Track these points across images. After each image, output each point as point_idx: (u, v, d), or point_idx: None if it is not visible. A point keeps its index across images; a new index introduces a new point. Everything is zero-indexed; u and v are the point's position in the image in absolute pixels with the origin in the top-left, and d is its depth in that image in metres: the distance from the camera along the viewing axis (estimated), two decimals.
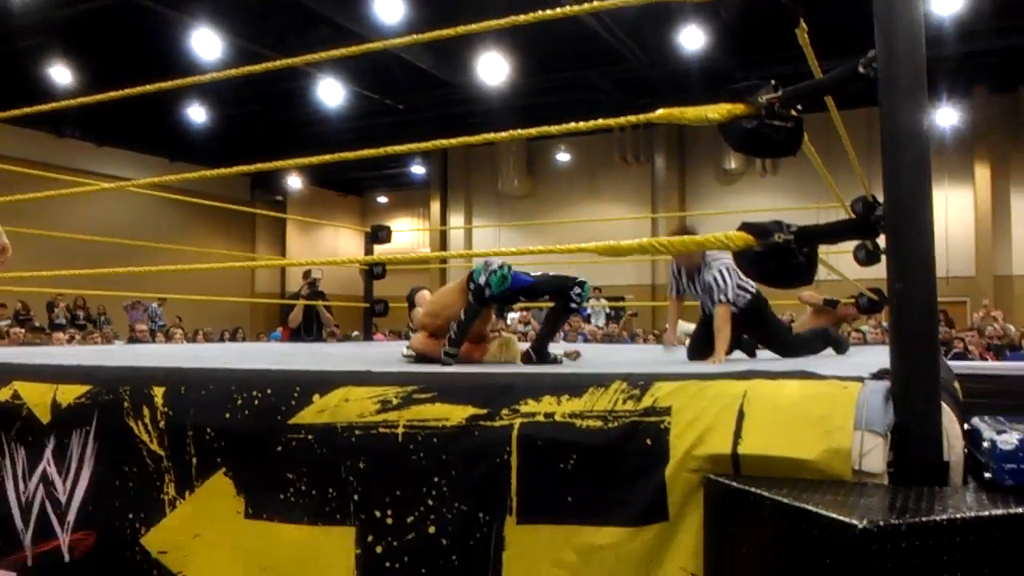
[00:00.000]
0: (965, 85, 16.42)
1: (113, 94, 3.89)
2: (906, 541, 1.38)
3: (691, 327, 6.79)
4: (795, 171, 18.37)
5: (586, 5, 2.81)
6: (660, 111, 2.16)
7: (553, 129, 2.44)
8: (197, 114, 18.96)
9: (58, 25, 14.64)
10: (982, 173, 17.88)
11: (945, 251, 15.96)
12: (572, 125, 2.42)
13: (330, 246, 26.16)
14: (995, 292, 17.31)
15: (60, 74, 15.92)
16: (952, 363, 6.35)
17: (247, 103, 18.78)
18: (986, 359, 9.36)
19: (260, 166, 3.57)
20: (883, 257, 2.04)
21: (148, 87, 3.77)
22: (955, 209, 17.32)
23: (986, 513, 1.45)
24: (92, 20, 14.76)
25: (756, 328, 4.32)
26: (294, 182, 24.32)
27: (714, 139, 19.59)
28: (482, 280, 3.69)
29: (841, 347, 4.75)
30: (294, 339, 8.48)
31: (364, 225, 22.77)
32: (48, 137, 18.68)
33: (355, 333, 13.70)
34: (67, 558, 2.53)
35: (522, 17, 2.86)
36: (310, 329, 8.73)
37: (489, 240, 21.67)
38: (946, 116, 16.97)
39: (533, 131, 2.53)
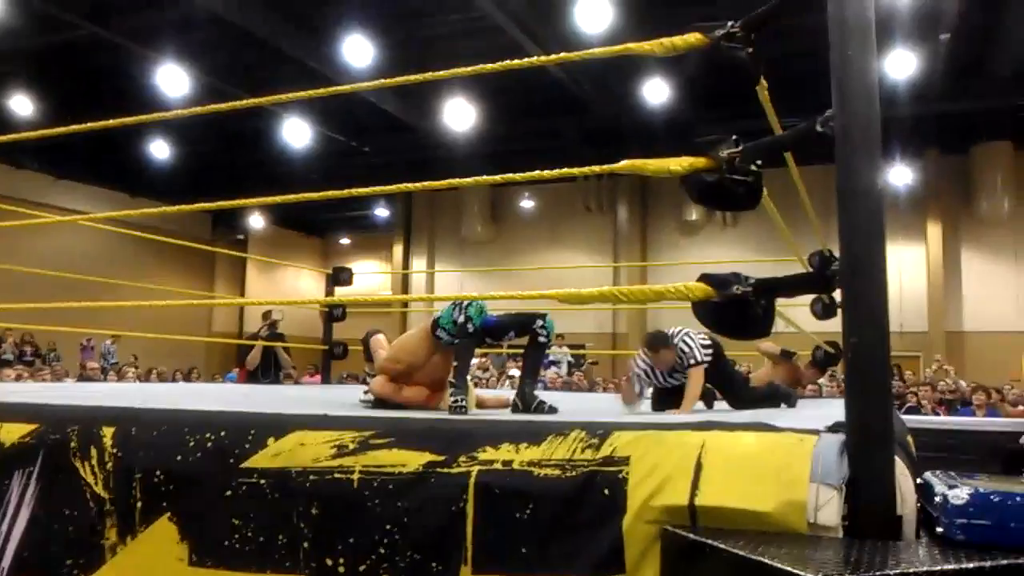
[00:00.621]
0: (918, 146, 16.92)
1: (74, 127, 3.85)
2: None
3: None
4: (755, 224, 18.70)
5: (553, 56, 2.85)
6: (624, 162, 2.19)
7: (518, 176, 2.46)
8: (160, 150, 18.82)
9: (23, 56, 14.51)
10: (934, 231, 18.36)
11: (899, 306, 16.28)
12: (537, 173, 2.44)
13: (291, 287, 25.92)
14: (947, 347, 17.67)
15: (21, 105, 15.74)
16: (905, 417, 6.44)
17: (211, 140, 18.70)
18: (939, 413, 9.51)
19: (222, 204, 3.54)
20: (839, 311, 2.09)
21: (109, 122, 3.74)
22: (908, 266, 17.72)
23: (938, 568, 1.46)
24: (58, 53, 14.66)
25: (713, 376, 4.41)
26: (256, 221, 24.13)
27: (676, 190, 19.89)
28: (460, 318, 3.67)
29: (790, 401, 4.80)
30: (250, 380, 8.34)
31: (326, 267, 22.61)
32: (6, 168, 18.37)
33: (313, 375, 13.53)
34: None
35: (489, 66, 2.88)
36: (268, 371, 8.60)
37: (452, 285, 21.63)
38: (900, 175, 17.45)
39: (499, 178, 2.55)
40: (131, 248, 19.75)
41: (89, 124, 3.76)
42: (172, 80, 14.49)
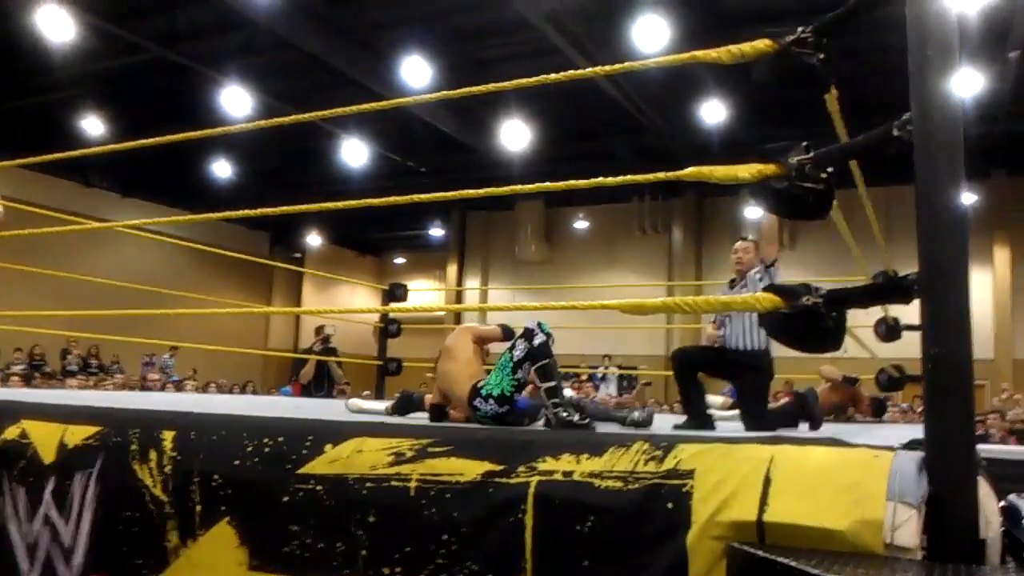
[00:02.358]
0: (984, 167, 16.46)
1: (136, 143, 3.93)
2: None
3: (718, 400, 6.69)
4: (813, 245, 18.36)
5: (615, 67, 2.82)
6: (691, 169, 2.15)
7: (581, 184, 2.43)
8: (222, 169, 19.27)
9: (94, 78, 15.02)
10: (1001, 255, 17.80)
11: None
12: (599, 180, 2.41)
13: (346, 304, 26.19)
14: (1014, 376, 17.05)
15: (92, 125, 16.27)
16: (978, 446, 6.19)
17: (272, 160, 19.09)
18: (1008, 443, 9.16)
19: (278, 209, 3.55)
20: (903, 334, 2.02)
21: (172, 137, 3.80)
22: (974, 291, 16.99)
23: None
24: (127, 74, 15.14)
25: (749, 381, 4.20)
26: (312, 240, 24.52)
27: (732, 212, 19.70)
28: (539, 339, 3.57)
29: (813, 424, 4.22)
30: (304, 394, 8.44)
31: (380, 285, 22.86)
32: (76, 186, 18.98)
33: (366, 392, 13.65)
34: None
35: (550, 76, 2.84)
36: (321, 385, 8.70)
37: (506, 306, 21.65)
38: (967, 198, 17.00)
39: (560, 184, 2.52)
40: (193, 265, 20.24)
41: (152, 140, 3.84)
42: (235, 101, 14.83)
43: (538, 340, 3.55)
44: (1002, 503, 1.76)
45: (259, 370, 21.64)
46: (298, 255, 24.99)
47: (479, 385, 3.59)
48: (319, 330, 8.98)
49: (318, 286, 25.76)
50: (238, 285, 22.36)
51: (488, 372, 3.73)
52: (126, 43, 13.46)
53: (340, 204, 3.30)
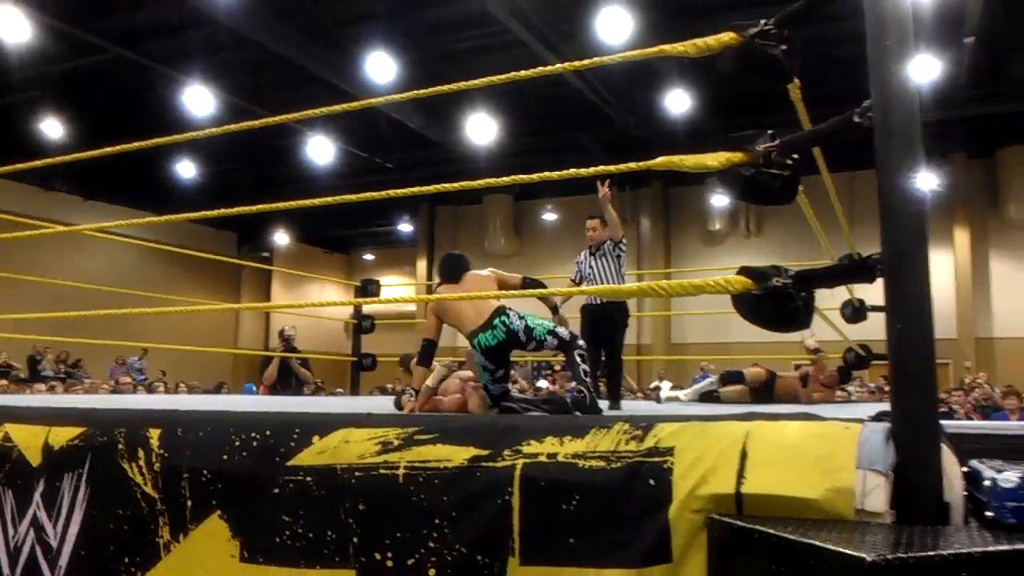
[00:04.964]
0: (943, 151, 16.80)
1: (101, 151, 3.87)
2: (915, 574, 1.38)
3: (675, 392, 6.88)
4: (778, 232, 18.65)
5: (583, 62, 2.88)
6: (661, 159, 2.21)
7: (554, 176, 2.49)
8: (186, 170, 19.08)
9: (53, 80, 14.79)
10: (962, 237, 18.19)
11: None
12: (573, 172, 2.47)
13: (316, 302, 26.11)
14: (976, 354, 17.46)
15: (51, 128, 16.02)
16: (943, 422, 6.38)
17: (237, 159, 18.93)
18: (972, 419, 9.39)
19: (245, 208, 3.55)
20: (868, 315, 2.12)
21: (135, 144, 3.74)
22: (936, 272, 17.25)
23: (991, 549, 1.46)
24: (87, 75, 14.93)
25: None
26: (280, 239, 24.36)
27: (699, 201, 19.92)
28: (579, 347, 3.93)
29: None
30: (272, 395, 8.43)
31: (348, 285, 22.78)
32: (35, 190, 18.70)
33: (339, 390, 13.64)
34: None
35: (519, 74, 2.84)
36: (287, 386, 8.69)
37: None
38: (926, 181, 17.30)
39: (534, 177, 2.58)
40: (160, 268, 20.03)
41: (115, 148, 3.78)
42: (198, 101, 14.69)
43: (579, 344, 3.91)
44: (964, 468, 1.85)
45: (229, 371, 21.48)
46: (266, 254, 24.81)
47: (510, 309, 3.89)
48: (281, 333, 9.03)
49: (287, 285, 25.61)
50: (207, 286, 22.16)
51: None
52: (85, 43, 13.27)
53: (307, 202, 3.32)
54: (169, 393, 11.72)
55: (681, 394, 6.65)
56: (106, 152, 3.85)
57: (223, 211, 3.70)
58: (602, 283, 5.29)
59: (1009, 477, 1.62)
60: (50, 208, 18.37)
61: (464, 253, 4.67)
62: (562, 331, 3.90)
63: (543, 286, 4.07)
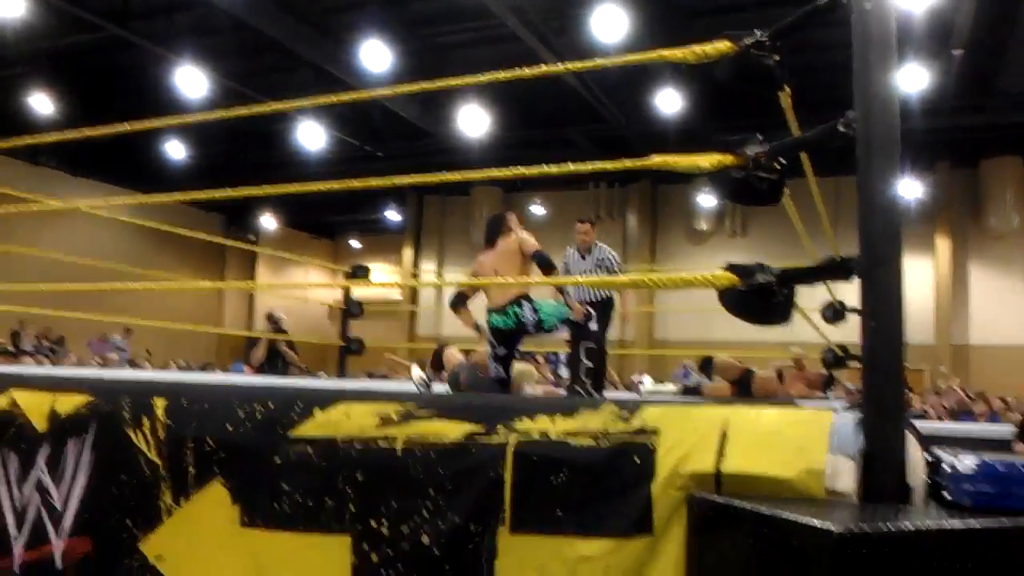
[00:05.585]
0: (928, 159, 17.04)
1: (93, 131, 3.89)
2: (877, 547, 1.51)
3: (658, 386, 7.09)
4: (764, 233, 18.86)
5: (582, 63, 3.00)
6: (655, 158, 2.33)
7: (553, 171, 2.60)
8: (175, 150, 19.04)
9: (45, 56, 14.74)
10: (943, 245, 18.45)
11: (906, 319, 16.37)
12: (566, 168, 2.58)
13: (300, 288, 26.09)
14: (953, 361, 17.73)
15: (41, 104, 15.96)
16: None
17: (227, 142, 18.90)
18: (944, 420, 9.62)
19: (233, 191, 3.59)
20: (848, 316, 2.26)
21: (126, 125, 3.75)
22: (916, 279, 17.78)
23: (947, 525, 1.60)
24: (78, 53, 14.89)
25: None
26: (267, 222, 24.33)
27: (685, 200, 20.08)
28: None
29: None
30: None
31: (336, 269, 22.80)
32: (24, 165, 18.60)
33: (320, 373, 13.72)
34: (59, 564, 2.57)
35: (511, 73, 2.92)
36: (274, 366, 8.78)
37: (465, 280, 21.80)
38: (910, 188, 17.56)
39: (533, 171, 2.69)
40: (145, 247, 19.98)
41: (106, 128, 3.80)
42: (190, 82, 14.67)
43: (592, 326, 4.24)
44: (927, 455, 1.99)
45: (212, 352, 21.48)
46: (252, 238, 24.77)
47: (531, 299, 4.09)
48: (269, 316, 9.10)
49: (273, 268, 25.58)
50: (192, 268, 22.12)
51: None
52: (78, 20, 13.24)
53: (296, 187, 3.40)
54: (157, 371, 11.76)
55: (664, 388, 6.85)
56: (97, 133, 3.88)
57: (211, 193, 3.75)
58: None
59: (966, 463, 1.75)
60: (38, 184, 18.26)
61: (502, 214, 4.88)
62: (572, 317, 4.19)
63: (553, 265, 4.28)
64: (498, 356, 4.35)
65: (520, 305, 4.22)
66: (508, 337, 4.28)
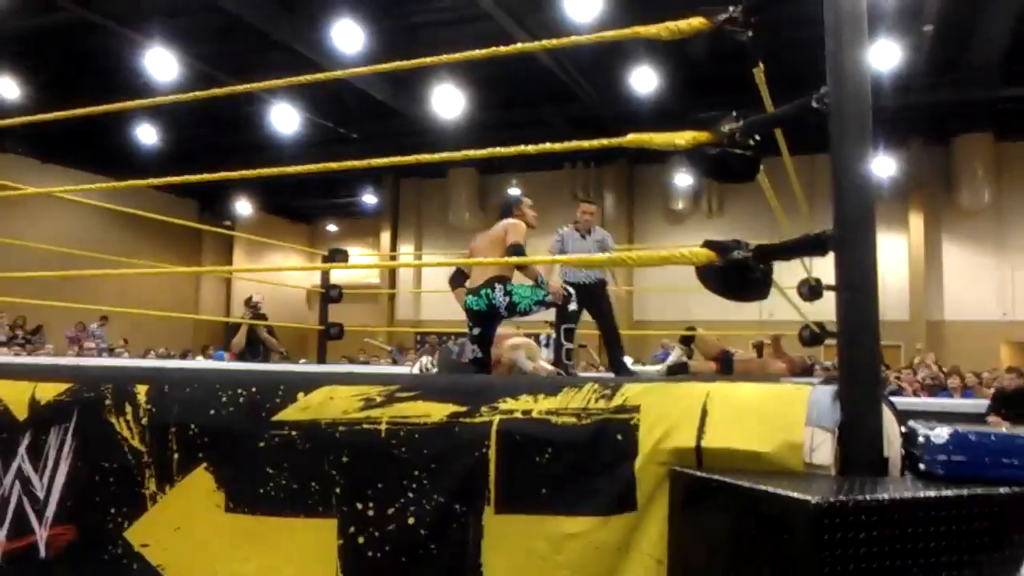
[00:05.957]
0: (901, 137, 17.17)
1: (59, 114, 3.80)
2: (854, 516, 1.55)
3: (645, 367, 7.20)
4: (739, 213, 18.97)
5: (556, 41, 3.00)
6: (631, 136, 2.35)
7: (529, 150, 2.60)
8: (147, 135, 18.79)
9: (8, 38, 14.46)
10: (916, 222, 18.64)
11: (881, 296, 16.56)
12: (548, 147, 2.59)
13: (278, 273, 25.92)
14: (928, 336, 17.98)
15: (7, 88, 15.67)
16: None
17: (198, 126, 18.69)
18: (920, 396, 9.77)
19: (207, 176, 3.53)
20: (825, 293, 2.30)
21: (95, 108, 3.68)
22: (890, 256, 17.99)
23: (922, 495, 1.64)
24: (44, 35, 14.63)
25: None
26: (243, 208, 24.10)
27: (662, 180, 20.14)
28: (573, 306, 4.78)
29: None
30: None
31: (313, 253, 22.66)
32: None
33: (303, 360, 13.68)
34: (43, 554, 2.56)
35: (485, 51, 2.90)
36: (256, 353, 8.75)
37: (440, 271, 21.76)
38: (882, 166, 17.70)
39: (512, 150, 2.69)
40: (118, 234, 19.74)
41: (75, 111, 3.69)
42: (160, 64, 14.47)
43: (572, 307, 4.30)
44: (903, 428, 2.03)
45: (189, 339, 21.32)
46: (228, 223, 24.53)
47: (508, 281, 4.26)
48: (248, 300, 9.03)
49: (249, 253, 25.37)
50: (167, 254, 21.89)
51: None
52: (43, 1, 12.99)
53: (270, 171, 3.38)
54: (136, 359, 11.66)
55: (652, 369, 6.95)
56: (65, 115, 3.80)
57: (185, 177, 3.69)
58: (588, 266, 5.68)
59: (940, 434, 1.80)
60: (6, 171, 17.94)
61: (517, 198, 4.95)
62: (551, 300, 4.25)
63: (522, 253, 4.32)
64: (474, 337, 4.45)
65: (492, 288, 4.32)
66: (481, 318, 4.38)
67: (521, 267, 4.50)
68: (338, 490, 2.24)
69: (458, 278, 4.95)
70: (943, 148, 18.28)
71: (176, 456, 2.44)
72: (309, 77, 3.50)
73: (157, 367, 2.78)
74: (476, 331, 4.44)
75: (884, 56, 12.73)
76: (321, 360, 8.48)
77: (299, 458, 2.30)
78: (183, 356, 13.64)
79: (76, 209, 17.93)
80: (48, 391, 2.69)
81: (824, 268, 2.86)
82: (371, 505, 2.20)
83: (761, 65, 2.69)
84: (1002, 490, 1.67)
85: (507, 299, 4.30)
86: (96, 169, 20.18)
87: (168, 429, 2.46)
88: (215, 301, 24.56)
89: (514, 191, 5.65)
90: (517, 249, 4.44)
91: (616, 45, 13.98)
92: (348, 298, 9.49)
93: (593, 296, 5.70)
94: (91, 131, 17.95)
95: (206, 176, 3.53)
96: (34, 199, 17.25)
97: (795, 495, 1.58)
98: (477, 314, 4.38)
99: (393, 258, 22.34)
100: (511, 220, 4.64)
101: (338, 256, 8.02)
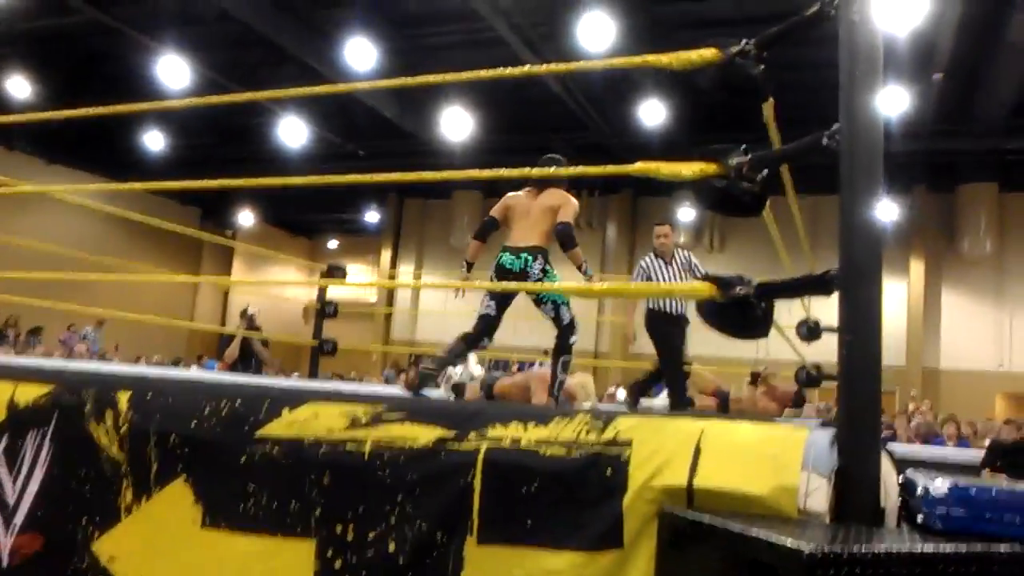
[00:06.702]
0: (906, 183, 17.20)
1: (67, 112, 3.80)
2: (848, 568, 1.49)
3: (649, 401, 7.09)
4: (740, 249, 18.96)
5: (569, 65, 2.97)
6: (638, 164, 2.31)
7: (534, 173, 2.57)
8: (154, 141, 18.82)
9: (22, 38, 14.52)
10: (917, 268, 18.62)
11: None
12: (552, 171, 2.55)
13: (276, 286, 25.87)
14: (923, 384, 17.89)
15: (18, 87, 15.71)
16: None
17: (206, 134, 18.72)
18: (914, 443, 9.68)
19: (211, 183, 3.50)
20: (823, 335, 2.25)
21: (103, 109, 3.66)
22: (889, 301, 17.78)
23: (919, 549, 1.57)
24: (58, 36, 14.68)
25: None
26: (245, 218, 24.09)
27: (666, 211, 20.11)
28: (574, 338, 4.42)
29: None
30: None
31: (313, 268, 22.62)
32: None
33: (296, 374, 13.60)
34: (5, 562, 2.48)
35: (493, 72, 2.88)
36: (248, 364, 8.66)
37: (439, 294, 21.72)
38: (886, 211, 17.69)
39: (514, 172, 2.66)
40: (119, 239, 19.70)
41: (80, 110, 3.70)
42: (172, 72, 14.48)
43: (573, 339, 4.28)
44: (901, 478, 1.97)
45: (184, 347, 21.23)
46: (230, 233, 24.51)
47: (548, 258, 4.18)
48: (243, 312, 8.97)
49: (249, 265, 25.34)
50: (166, 261, 21.82)
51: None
52: (58, 2, 13.05)
53: (273, 181, 3.38)
54: (128, 364, 11.58)
55: (656, 402, 6.84)
56: (75, 114, 3.78)
57: (184, 183, 3.70)
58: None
59: (939, 486, 1.74)
60: (10, 169, 17.95)
61: (558, 157, 4.54)
62: (565, 314, 4.11)
63: (575, 244, 4.16)
64: (492, 293, 4.26)
65: (535, 256, 4.14)
66: (507, 278, 4.16)
67: (565, 248, 4.25)
68: (318, 511, 2.18)
69: (487, 230, 4.65)
70: (947, 196, 18.30)
71: (155, 467, 2.38)
72: (318, 88, 3.49)
73: (141, 374, 2.72)
74: (495, 297, 4.25)
75: (893, 102, 12.77)
76: (312, 375, 8.40)
77: (280, 476, 2.24)
78: (175, 364, 13.56)
79: (78, 211, 17.91)
80: (29, 393, 2.63)
81: (820, 309, 2.81)
82: (351, 529, 2.14)
83: (771, 100, 2.66)
84: (1002, 547, 1.61)
85: (542, 276, 4.12)
86: (102, 173, 20.21)
87: (148, 439, 2.40)
88: (212, 310, 24.49)
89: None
90: (568, 228, 4.19)
91: (626, 78, 14.05)
92: (344, 315, 9.42)
93: (677, 329, 5.33)
94: (98, 134, 17.98)
95: (207, 183, 3.50)
96: (36, 201, 17.25)
97: (788, 543, 1.52)
98: (507, 273, 4.17)
99: (392, 277, 22.29)
100: (565, 194, 4.33)
101: (336, 272, 7.97)
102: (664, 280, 5.36)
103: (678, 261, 5.47)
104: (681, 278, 5.32)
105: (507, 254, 4.25)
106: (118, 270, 9.65)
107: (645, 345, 5.94)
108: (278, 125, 17.58)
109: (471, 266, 4.60)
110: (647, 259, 5.65)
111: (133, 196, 19.16)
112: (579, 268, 4.29)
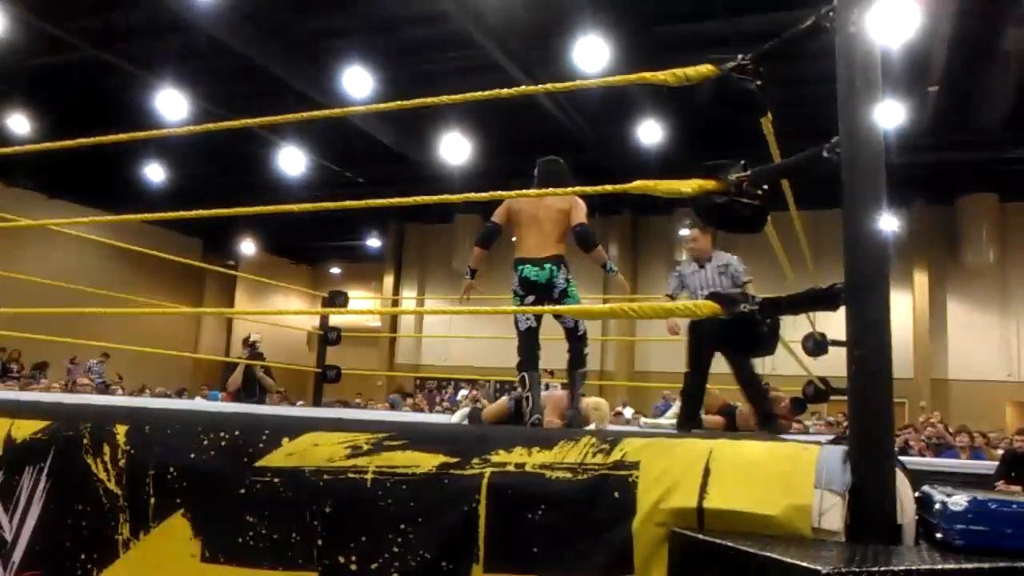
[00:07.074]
0: (905, 195, 17.21)
1: (66, 143, 3.80)
2: None
3: (657, 420, 7.03)
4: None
5: (565, 84, 2.95)
6: (637, 182, 2.28)
7: (531, 194, 2.54)
8: (154, 173, 18.89)
9: (22, 75, 14.62)
10: (920, 280, 18.59)
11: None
12: (547, 191, 2.53)
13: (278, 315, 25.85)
14: (932, 395, 17.80)
15: (18, 124, 15.81)
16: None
17: (206, 166, 18.80)
18: (925, 455, 9.59)
19: (211, 212, 3.49)
20: (831, 349, 2.21)
21: (102, 138, 3.68)
22: (895, 313, 17.66)
23: (939, 567, 1.52)
24: (58, 73, 14.78)
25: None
26: (247, 247, 24.15)
27: (667, 232, 20.14)
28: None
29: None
30: (235, 402, 8.35)
31: (314, 296, 22.60)
32: None
33: (300, 402, 13.54)
34: None
35: (492, 92, 2.88)
36: (252, 393, 8.63)
37: (443, 317, 21.68)
38: (888, 224, 17.67)
39: (513, 194, 2.63)
40: (122, 271, 19.75)
41: (81, 140, 3.71)
42: (171, 105, 14.59)
43: (586, 351, 4.36)
44: (917, 493, 1.92)
45: (189, 377, 21.19)
46: (232, 263, 24.57)
47: (567, 266, 4.18)
48: (246, 340, 8.95)
49: (252, 294, 25.35)
50: (169, 292, 21.85)
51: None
52: (57, 40, 13.15)
53: (274, 208, 3.37)
54: (131, 396, 11.53)
55: (663, 420, 6.77)
56: (73, 144, 3.78)
57: (184, 213, 3.66)
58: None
59: (958, 501, 1.69)
60: (12, 205, 18.01)
61: (559, 160, 4.52)
62: (581, 324, 4.11)
63: (596, 244, 4.14)
64: (525, 303, 4.20)
65: (559, 266, 4.09)
66: (534, 289, 4.11)
67: (587, 249, 4.21)
68: (320, 542, 2.13)
69: (490, 236, 4.44)
70: (947, 208, 18.30)
71: (153, 501, 2.33)
72: (316, 113, 3.47)
73: (139, 406, 2.68)
74: (529, 299, 4.16)
75: (890, 114, 12.79)
76: (316, 403, 8.35)
77: (281, 507, 2.19)
78: (179, 395, 13.51)
79: (81, 245, 17.96)
80: (25, 429, 2.59)
81: (825, 323, 2.77)
82: (354, 559, 2.09)
83: (769, 115, 2.64)
84: None
85: (564, 284, 4.11)
86: (103, 206, 20.26)
87: (146, 472, 2.35)
88: (216, 340, 24.47)
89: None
90: (586, 228, 4.16)
91: (623, 98, 14.09)
92: (348, 341, 9.38)
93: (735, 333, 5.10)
94: (99, 169, 18.05)
95: (208, 212, 3.48)
96: (38, 235, 17.29)
97: (804, 563, 1.47)
98: (534, 285, 4.13)
99: (395, 303, 22.27)
100: (574, 197, 4.26)
101: (338, 299, 7.95)
102: (694, 285, 5.24)
103: (712, 265, 5.26)
104: (715, 283, 5.15)
105: (529, 266, 4.16)
106: (121, 303, 9.63)
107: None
108: (278, 155, 17.66)
109: (474, 272, 4.51)
110: (676, 270, 5.53)
111: (136, 229, 19.18)
112: (603, 267, 4.27)
